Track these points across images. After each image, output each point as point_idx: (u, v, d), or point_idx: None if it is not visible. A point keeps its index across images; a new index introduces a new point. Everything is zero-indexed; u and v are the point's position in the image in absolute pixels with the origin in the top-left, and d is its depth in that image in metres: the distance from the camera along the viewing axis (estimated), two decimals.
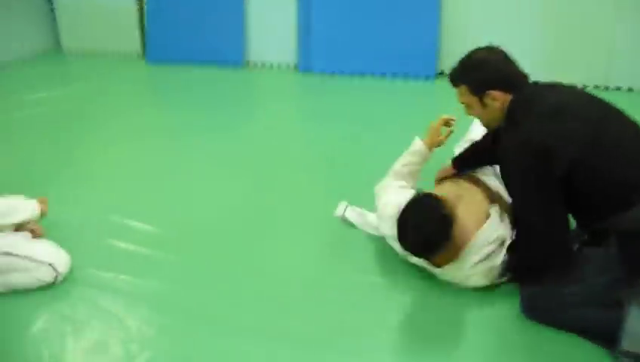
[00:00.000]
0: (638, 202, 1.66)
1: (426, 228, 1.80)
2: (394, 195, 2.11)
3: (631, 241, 1.69)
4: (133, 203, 2.60)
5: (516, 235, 1.92)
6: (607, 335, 1.69)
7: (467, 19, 4.04)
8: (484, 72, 1.87)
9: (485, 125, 2.04)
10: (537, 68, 3.98)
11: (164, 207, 2.57)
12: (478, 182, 2.24)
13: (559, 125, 1.72)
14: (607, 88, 3.94)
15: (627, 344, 1.66)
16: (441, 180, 2.36)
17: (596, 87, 3.95)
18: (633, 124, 1.81)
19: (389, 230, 2.01)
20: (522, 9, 3.99)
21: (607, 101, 1.86)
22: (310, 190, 2.73)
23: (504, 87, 1.84)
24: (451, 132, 2.30)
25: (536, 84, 1.91)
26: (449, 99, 3.76)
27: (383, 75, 4.25)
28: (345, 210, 2.39)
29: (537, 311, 1.83)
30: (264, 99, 4.19)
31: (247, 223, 2.43)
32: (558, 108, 1.76)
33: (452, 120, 2.29)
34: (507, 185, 1.92)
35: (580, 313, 1.76)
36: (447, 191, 2.16)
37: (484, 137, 2.27)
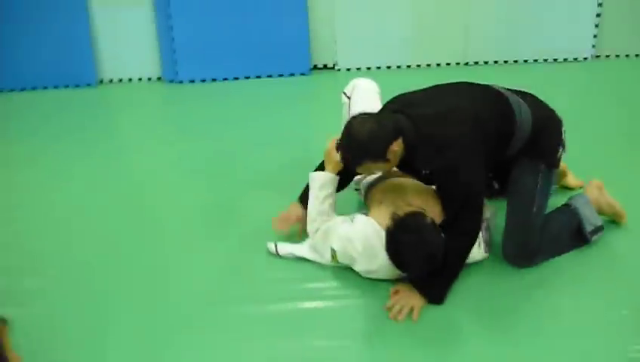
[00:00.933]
0: (514, 132, 2.07)
1: (429, 244, 1.87)
2: (348, 230, 2.08)
3: (527, 148, 2.11)
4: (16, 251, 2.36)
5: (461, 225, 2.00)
6: (575, 232, 2.19)
7: (334, 9, 4.04)
8: (377, 142, 1.90)
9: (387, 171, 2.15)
10: (404, 51, 4.18)
11: (49, 253, 2.38)
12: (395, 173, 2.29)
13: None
14: (466, 64, 4.22)
15: (587, 226, 2.20)
16: (370, 193, 2.31)
17: (457, 63, 4.21)
18: (482, 88, 2.17)
19: (366, 265, 2.05)
20: None
21: (453, 83, 2.18)
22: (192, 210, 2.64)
23: (394, 138, 1.91)
24: None
25: (403, 111, 2.00)
26: (326, 93, 3.87)
27: (258, 76, 4.11)
28: (276, 248, 2.27)
29: (527, 252, 2.12)
30: (129, 118, 3.77)
31: (131, 259, 2.34)
32: (443, 112, 1.98)
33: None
34: (457, 189, 1.97)
35: (552, 229, 2.16)
36: (383, 199, 2.15)
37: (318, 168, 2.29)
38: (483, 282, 2.12)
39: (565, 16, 4.10)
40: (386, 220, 2.01)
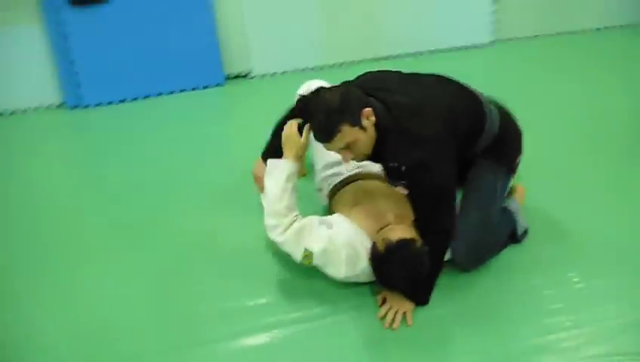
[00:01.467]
0: (484, 129, 2.09)
1: (420, 271, 1.86)
2: (329, 233, 1.98)
3: (490, 149, 2.14)
4: None
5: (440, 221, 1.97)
6: (511, 233, 2.25)
7: (242, 16, 3.91)
8: (352, 104, 1.84)
9: (365, 154, 1.95)
10: (317, 51, 4.15)
11: None
12: (361, 174, 2.24)
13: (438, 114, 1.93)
14: (378, 59, 4.25)
15: (520, 229, 2.27)
16: (338, 196, 2.25)
17: (370, 59, 4.24)
18: (457, 83, 2.15)
19: (349, 270, 1.97)
20: None
21: (428, 74, 2.15)
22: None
23: (365, 105, 1.86)
24: (310, 129, 2.11)
25: (375, 95, 1.94)
26: (245, 101, 3.75)
27: (170, 92, 3.88)
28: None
29: (478, 253, 2.11)
30: (32, 154, 3.31)
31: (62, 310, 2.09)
32: (418, 103, 1.93)
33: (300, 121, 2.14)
34: (426, 186, 1.91)
35: (497, 229, 2.18)
36: (356, 202, 2.10)
37: (285, 119, 2.19)
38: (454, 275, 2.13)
39: (464, 4, 4.27)
40: (364, 223, 1.99)
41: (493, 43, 4.45)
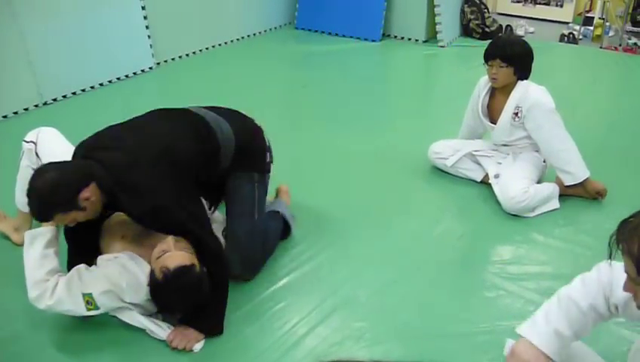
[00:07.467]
0: (219, 149, 2.12)
1: (198, 296, 1.88)
2: (102, 270, 1.89)
3: (238, 160, 2.18)
4: None
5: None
6: (282, 230, 2.41)
7: None
8: (63, 192, 1.77)
9: (91, 219, 1.91)
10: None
11: None
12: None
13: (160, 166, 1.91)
14: (44, 104, 3.97)
15: (290, 220, 2.46)
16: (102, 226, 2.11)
17: (35, 106, 3.92)
18: (179, 113, 2.16)
19: (132, 298, 1.90)
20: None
21: (151, 113, 2.15)
22: None
23: (84, 185, 1.80)
24: None
25: (92, 156, 1.90)
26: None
27: None
28: None
29: (253, 262, 2.20)
30: None
31: None
32: (131, 154, 1.89)
33: None
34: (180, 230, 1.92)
35: (269, 237, 2.31)
36: (126, 233, 2.03)
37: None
38: None
39: (122, 37, 4.32)
40: (137, 251, 1.95)
41: (158, 65, 4.64)
